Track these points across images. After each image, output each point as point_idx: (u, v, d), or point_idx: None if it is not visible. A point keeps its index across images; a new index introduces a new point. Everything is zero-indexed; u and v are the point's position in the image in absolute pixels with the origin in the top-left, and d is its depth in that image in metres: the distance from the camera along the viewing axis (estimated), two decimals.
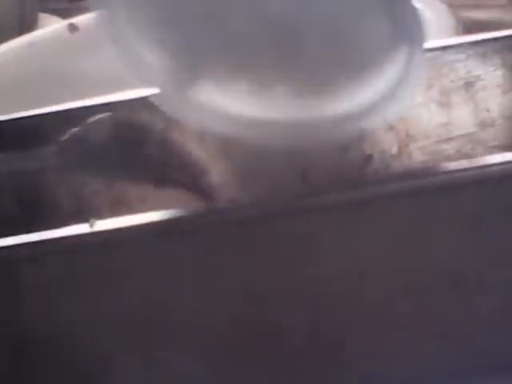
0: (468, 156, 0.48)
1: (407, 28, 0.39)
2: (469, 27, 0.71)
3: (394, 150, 0.50)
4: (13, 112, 0.50)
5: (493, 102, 0.50)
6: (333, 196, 0.43)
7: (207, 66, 0.38)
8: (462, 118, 0.50)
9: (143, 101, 0.46)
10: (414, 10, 0.40)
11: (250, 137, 0.39)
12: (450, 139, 0.50)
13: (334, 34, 0.38)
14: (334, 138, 0.40)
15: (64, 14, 0.90)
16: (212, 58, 0.38)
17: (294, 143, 0.40)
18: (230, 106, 0.38)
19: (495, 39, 0.50)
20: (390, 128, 0.50)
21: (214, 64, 0.38)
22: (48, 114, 0.50)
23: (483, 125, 0.50)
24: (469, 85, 0.50)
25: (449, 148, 0.50)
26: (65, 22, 0.82)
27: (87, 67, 0.72)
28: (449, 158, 0.48)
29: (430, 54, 0.49)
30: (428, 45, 0.50)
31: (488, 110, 0.50)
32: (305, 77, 0.38)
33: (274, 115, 0.38)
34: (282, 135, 0.39)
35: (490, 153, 0.48)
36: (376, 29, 0.39)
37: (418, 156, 0.50)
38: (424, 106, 0.50)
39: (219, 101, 0.38)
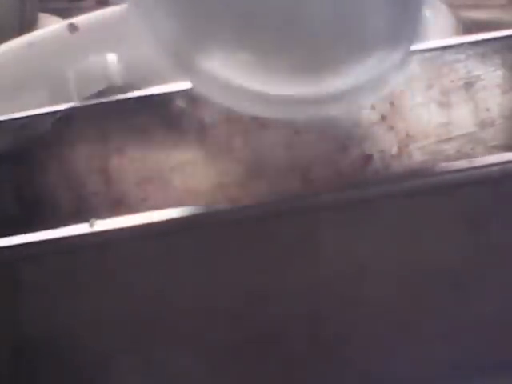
0: (468, 156, 0.48)
1: (408, 24, 0.39)
2: (469, 27, 0.71)
3: (394, 150, 0.50)
4: (13, 112, 0.50)
5: (493, 102, 0.50)
6: (333, 196, 0.43)
7: (212, 34, 0.38)
8: (462, 117, 0.50)
9: (143, 101, 0.46)
10: (420, 8, 0.40)
11: (246, 108, 0.40)
12: (449, 139, 0.50)
13: (338, 13, 0.38)
14: (331, 113, 0.41)
15: (64, 14, 0.90)
16: (217, 26, 0.38)
17: (289, 116, 0.40)
18: (231, 76, 0.38)
19: (495, 39, 0.50)
20: (390, 128, 0.50)
21: (219, 32, 0.38)
22: (48, 113, 0.50)
23: (483, 125, 0.50)
24: (469, 85, 0.50)
25: (449, 148, 0.50)
26: (65, 22, 0.82)
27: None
28: (449, 158, 0.48)
29: (429, 54, 0.49)
30: (428, 45, 0.50)
31: (488, 110, 0.50)
32: (305, 52, 0.38)
33: (271, 88, 0.38)
34: (277, 108, 0.39)
35: (490, 153, 0.48)
36: (379, 16, 0.39)
37: (418, 156, 0.50)
38: (424, 105, 0.50)
39: (222, 71, 0.38)
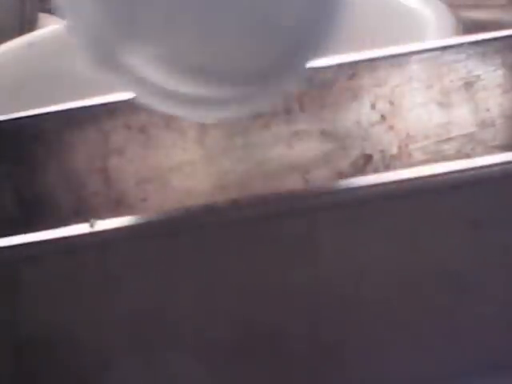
0: (468, 156, 0.48)
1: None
2: (469, 27, 0.71)
3: (394, 150, 0.50)
4: (13, 112, 0.50)
5: (493, 102, 0.50)
6: (333, 196, 0.43)
7: (135, 26, 0.37)
8: (462, 117, 0.50)
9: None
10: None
11: (161, 107, 0.39)
12: (449, 139, 0.50)
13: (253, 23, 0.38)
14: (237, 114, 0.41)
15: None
16: (140, 18, 0.38)
17: (197, 116, 0.40)
18: (149, 73, 0.38)
19: (495, 39, 0.50)
20: (390, 128, 0.50)
21: (141, 25, 0.38)
22: (48, 113, 0.50)
23: (483, 125, 0.50)
24: (469, 85, 0.50)
25: (449, 148, 0.50)
26: (65, 22, 0.81)
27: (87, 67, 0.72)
28: (449, 158, 0.48)
29: (429, 54, 0.49)
30: (428, 45, 0.50)
31: (488, 110, 0.50)
32: (216, 54, 0.38)
33: (182, 88, 0.38)
34: (189, 108, 0.39)
35: (490, 153, 0.48)
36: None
37: (418, 156, 0.50)
38: (424, 105, 0.50)
39: (142, 67, 0.38)
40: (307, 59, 0.38)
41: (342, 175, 0.49)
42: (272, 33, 0.38)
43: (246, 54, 0.38)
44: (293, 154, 0.49)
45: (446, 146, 0.50)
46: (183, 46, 0.38)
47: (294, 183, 0.49)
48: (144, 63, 0.38)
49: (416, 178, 0.43)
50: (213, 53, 0.38)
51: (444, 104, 0.50)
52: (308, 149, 0.49)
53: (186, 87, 0.38)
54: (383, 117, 0.50)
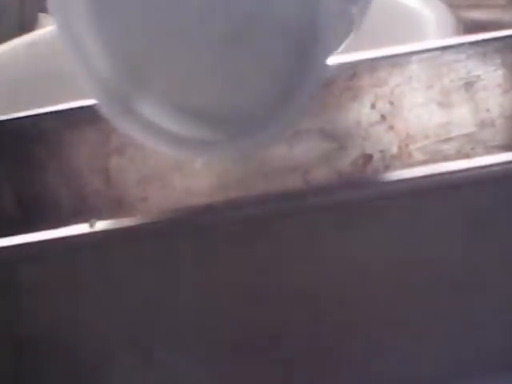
0: (468, 156, 0.48)
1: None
2: (469, 27, 0.71)
3: (394, 150, 0.50)
4: (13, 112, 0.50)
5: (493, 102, 0.50)
6: (333, 196, 0.43)
7: (149, 76, 0.38)
8: (462, 117, 0.50)
9: None
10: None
11: (175, 153, 0.40)
12: (449, 139, 0.50)
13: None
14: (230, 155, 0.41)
15: None
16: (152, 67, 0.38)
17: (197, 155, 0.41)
18: (161, 120, 0.38)
19: (495, 39, 0.50)
20: (390, 128, 0.50)
21: (154, 74, 0.38)
22: (48, 113, 0.50)
23: (483, 125, 0.50)
24: (469, 85, 0.50)
25: (449, 148, 0.50)
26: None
27: None
28: (449, 158, 0.48)
29: (429, 54, 0.49)
30: (428, 45, 0.50)
31: (488, 110, 0.50)
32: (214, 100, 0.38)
33: (186, 130, 0.38)
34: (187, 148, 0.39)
35: (490, 153, 0.48)
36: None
37: (418, 156, 0.50)
38: (424, 105, 0.50)
39: (154, 114, 0.38)
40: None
41: (342, 175, 0.49)
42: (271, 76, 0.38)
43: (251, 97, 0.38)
44: (293, 154, 0.49)
45: (445, 146, 0.50)
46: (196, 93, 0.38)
47: (294, 183, 0.49)
48: (156, 111, 0.38)
49: (416, 178, 0.43)
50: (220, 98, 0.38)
51: (444, 104, 0.50)
52: (308, 149, 0.49)
53: (200, 132, 0.38)
54: (383, 117, 0.50)
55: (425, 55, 0.50)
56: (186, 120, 0.38)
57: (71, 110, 0.50)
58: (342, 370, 0.46)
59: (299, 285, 0.44)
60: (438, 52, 0.49)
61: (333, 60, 0.49)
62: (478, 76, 0.50)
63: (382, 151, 0.50)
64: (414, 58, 0.50)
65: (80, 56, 0.38)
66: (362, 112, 0.50)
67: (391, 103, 0.50)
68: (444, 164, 0.43)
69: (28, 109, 0.50)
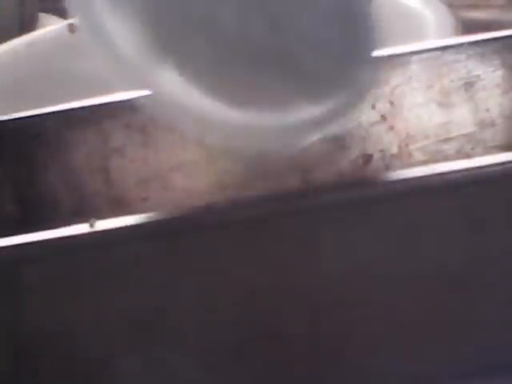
0: (468, 156, 0.48)
1: (361, 48, 0.40)
2: (469, 27, 0.71)
3: (394, 150, 0.50)
4: (13, 112, 0.50)
5: (493, 102, 0.50)
6: (333, 196, 0.43)
7: (171, 50, 0.38)
8: (462, 117, 0.50)
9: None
10: (370, 27, 0.40)
11: (198, 132, 0.39)
12: (449, 139, 0.50)
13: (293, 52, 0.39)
14: (280, 146, 0.41)
15: (64, 14, 0.90)
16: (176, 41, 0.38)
17: (237, 143, 0.40)
18: (188, 98, 0.38)
19: (495, 39, 0.50)
20: (390, 128, 0.50)
21: (177, 48, 0.38)
22: (48, 113, 0.50)
23: (483, 125, 0.50)
24: (469, 85, 0.50)
25: (449, 148, 0.50)
26: (65, 22, 0.82)
27: (87, 67, 0.72)
28: (449, 158, 0.48)
29: (429, 54, 0.49)
30: (428, 45, 0.50)
31: (488, 110, 0.50)
32: (258, 85, 0.38)
33: (225, 114, 0.38)
34: (227, 135, 0.39)
35: (490, 153, 0.48)
36: (331, 47, 0.39)
37: (418, 156, 0.50)
38: (424, 106, 0.50)
39: (179, 90, 0.38)
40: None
41: (342, 175, 0.49)
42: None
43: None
44: (293, 154, 0.49)
45: (445, 146, 0.50)
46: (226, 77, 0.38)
47: (294, 183, 0.49)
48: (184, 89, 0.38)
49: (416, 178, 0.43)
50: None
51: (444, 104, 0.50)
52: (308, 149, 0.49)
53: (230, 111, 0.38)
54: (383, 117, 0.50)
55: (425, 55, 0.50)
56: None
57: (71, 110, 0.50)
58: (342, 370, 0.46)
59: (299, 285, 0.44)
60: (437, 52, 0.49)
61: None
62: (478, 76, 0.50)
63: (382, 151, 0.50)
64: (414, 58, 0.50)
65: (101, 33, 0.38)
66: (362, 112, 0.50)
67: (391, 103, 0.50)
68: (444, 164, 0.43)
69: (28, 109, 0.50)
